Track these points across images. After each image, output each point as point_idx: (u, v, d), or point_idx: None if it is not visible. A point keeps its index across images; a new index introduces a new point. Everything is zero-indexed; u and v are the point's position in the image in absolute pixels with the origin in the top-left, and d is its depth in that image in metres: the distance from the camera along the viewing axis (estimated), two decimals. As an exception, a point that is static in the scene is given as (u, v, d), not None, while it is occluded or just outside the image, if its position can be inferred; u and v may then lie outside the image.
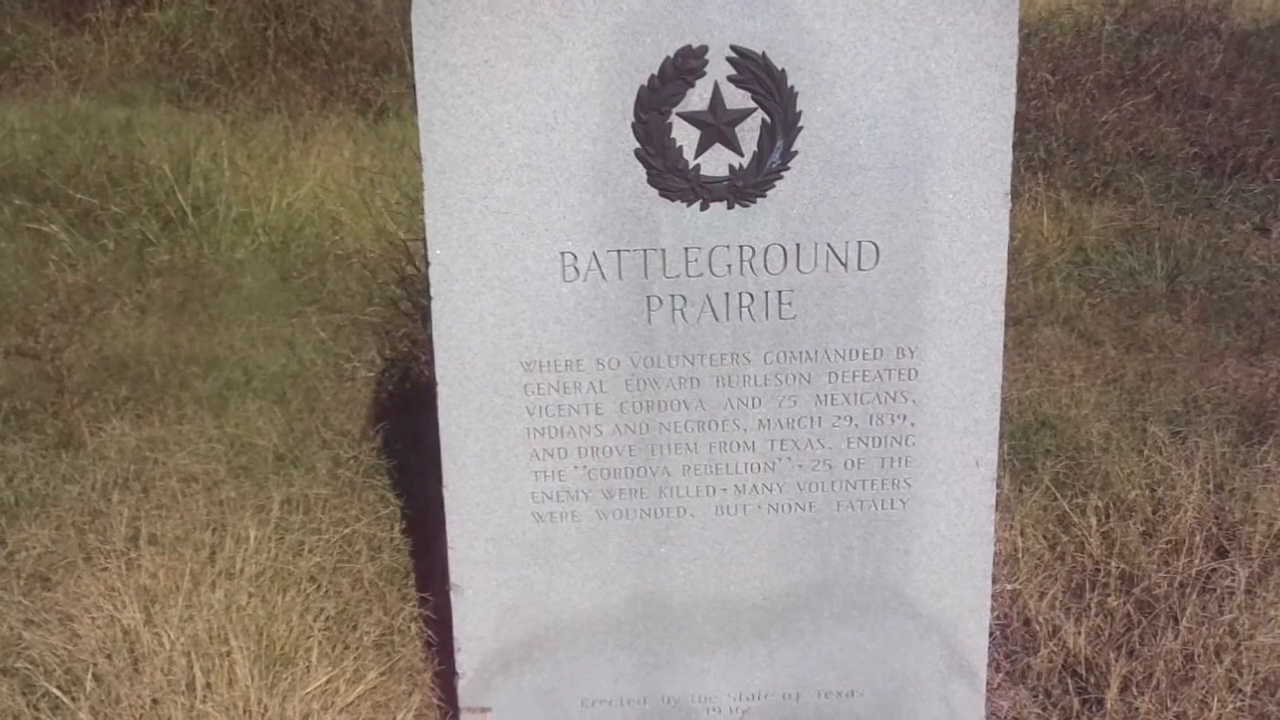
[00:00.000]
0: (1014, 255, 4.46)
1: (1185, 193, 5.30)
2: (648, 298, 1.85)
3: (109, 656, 2.23)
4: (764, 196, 1.80)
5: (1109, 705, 2.15)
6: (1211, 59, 6.48)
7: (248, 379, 3.62)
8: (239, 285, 4.40)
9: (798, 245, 1.82)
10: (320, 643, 2.29)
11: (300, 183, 5.13)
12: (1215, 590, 2.38)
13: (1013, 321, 3.91)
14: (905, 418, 1.92)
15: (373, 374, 3.68)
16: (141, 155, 5.32)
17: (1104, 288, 4.37)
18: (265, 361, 3.75)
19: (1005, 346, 1.93)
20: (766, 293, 1.85)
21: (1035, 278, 4.38)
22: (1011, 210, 1.83)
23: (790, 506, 1.97)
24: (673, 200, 1.80)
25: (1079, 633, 2.35)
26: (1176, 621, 2.29)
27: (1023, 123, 5.81)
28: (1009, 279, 1.88)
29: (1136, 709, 2.12)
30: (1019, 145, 5.61)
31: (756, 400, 1.91)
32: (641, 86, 1.74)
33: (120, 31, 7.43)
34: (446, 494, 1.95)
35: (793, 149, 1.78)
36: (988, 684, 2.18)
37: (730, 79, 1.74)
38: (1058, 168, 5.46)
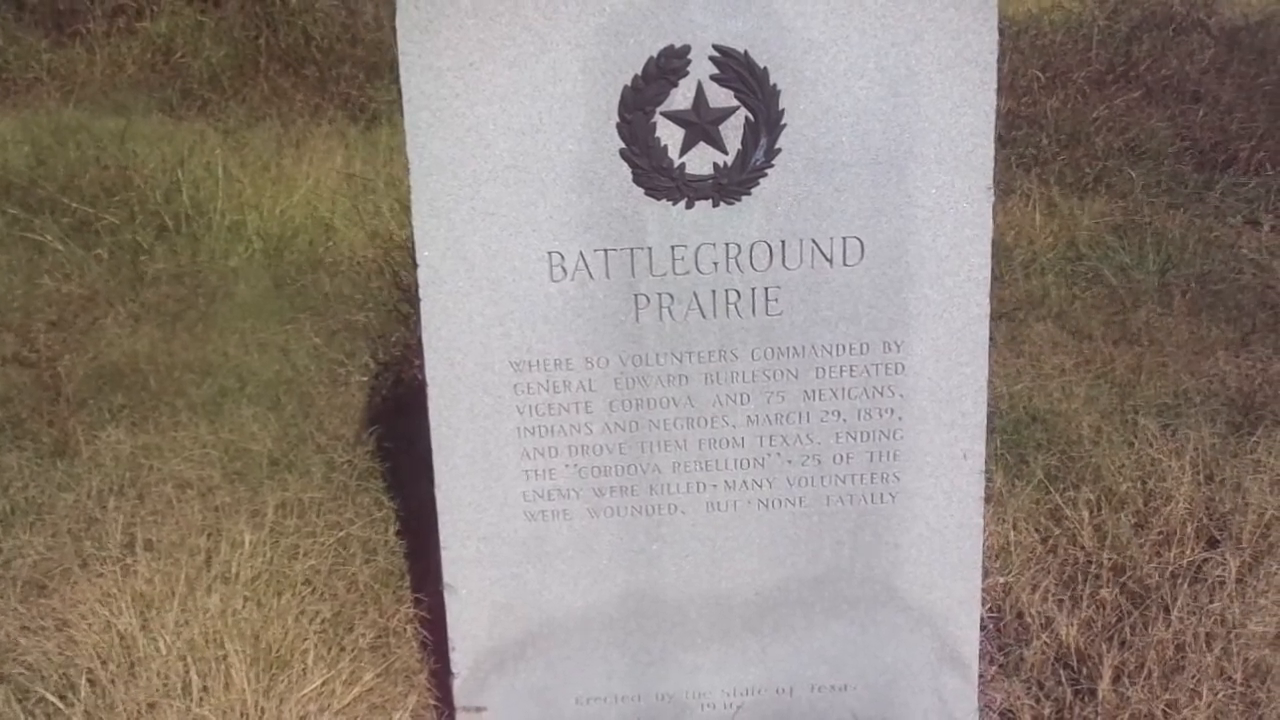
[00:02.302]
0: (1006, 252, 4.47)
1: (1176, 187, 5.32)
2: (635, 296, 1.87)
3: (105, 662, 2.24)
4: (749, 194, 1.82)
5: (1101, 695, 2.16)
6: (1201, 54, 6.50)
7: (242, 385, 3.63)
8: (233, 293, 4.41)
9: (783, 242, 1.84)
10: (316, 645, 2.31)
11: (293, 190, 5.15)
12: (1206, 580, 2.39)
13: (1004, 317, 3.92)
14: (893, 412, 1.93)
15: (366, 378, 3.69)
16: (135, 165, 5.33)
17: (1095, 283, 4.38)
18: (259, 367, 3.76)
19: (996, 342, 1.95)
20: (753, 289, 1.87)
21: (1027, 274, 4.39)
22: (1003, 207, 1.85)
23: (780, 502, 1.98)
24: (658, 199, 1.82)
25: (1071, 624, 2.36)
26: (1168, 611, 2.30)
27: (1014, 120, 5.83)
28: (1000, 275, 1.90)
29: (1128, 699, 2.13)
30: (1010, 142, 5.67)
31: (745, 397, 1.92)
32: (625, 87, 1.76)
33: (112, 42, 7.44)
34: (438, 494, 1.96)
35: (776, 146, 1.79)
36: (980, 676, 2.19)
37: (713, 78, 1.76)
38: (1049, 164, 5.47)
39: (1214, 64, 6.42)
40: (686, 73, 1.76)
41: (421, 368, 1.92)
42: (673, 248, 1.84)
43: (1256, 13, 7.33)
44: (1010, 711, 2.26)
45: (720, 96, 1.77)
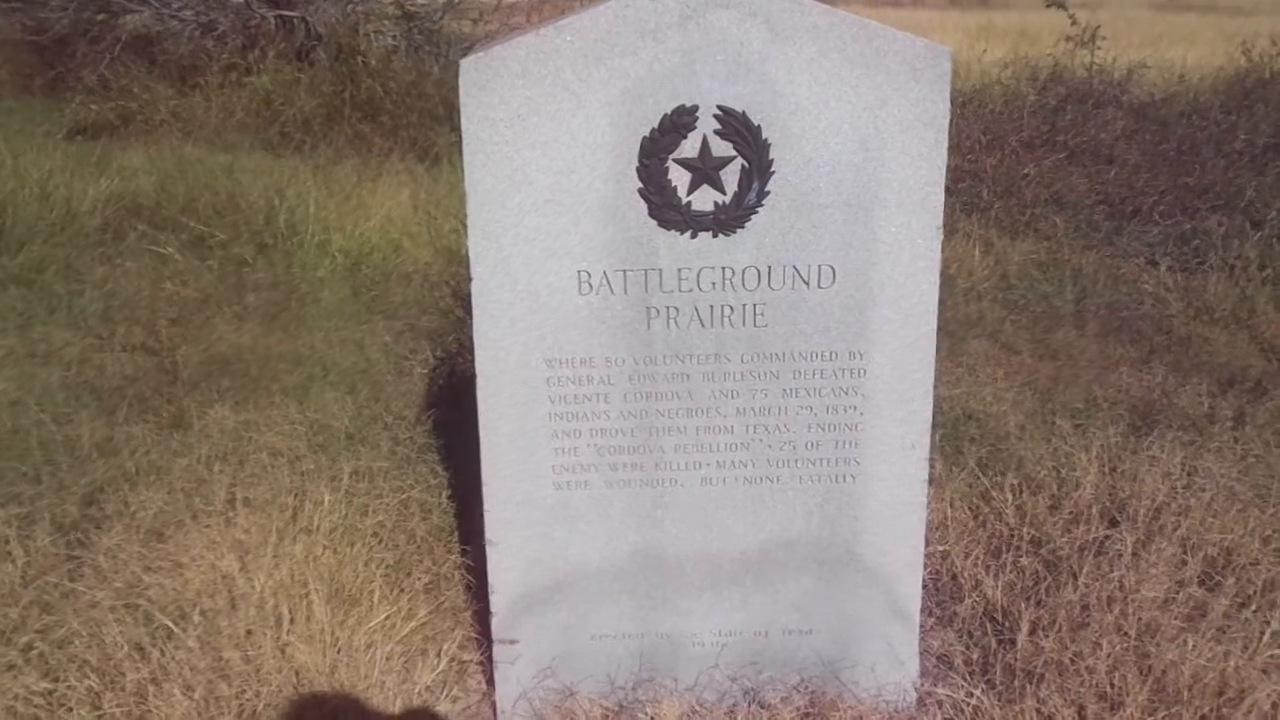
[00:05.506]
0: (949, 282, 4.47)
1: (1091, 232, 5.32)
2: (647, 308, 1.87)
3: (211, 596, 2.25)
4: (742, 228, 1.82)
5: (1020, 645, 2.16)
6: (1114, 124, 6.49)
7: (325, 373, 3.64)
8: (319, 298, 4.43)
9: (769, 267, 1.84)
10: (381, 586, 2.31)
11: (370, 216, 5.16)
12: (1108, 553, 2.39)
13: (947, 334, 3.92)
14: (855, 408, 1.93)
15: (426, 370, 3.70)
16: (241, 193, 5.35)
17: (1023, 308, 4.38)
18: (339, 359, 3.77)
19: (939, 353, 1.94)
20: (744, 305, 1.87)
21: (967, 299, 4.39)
22: (947, 245, 1.85)
23: (761, 479, 1.98)
24: (668, 230, 1.82)
25: (996, 586, 2.36)
26: (1076, 578, 2.30)
27: (960, 174, 5.83)
28: (945, 300, 1.89)
29: (1042, 648, 2.13)
30: (956, 192, 5.65)
31: (735, 393, 1.92)
32: (644, 137, 1.77)
33: (224, 93, 7.47)
34: (483, 466, 1.97)
35: (766, 190, 1.80)
36: (921, 626, 2.19)
37: (716, 132, 1.76)
38: (987, 211, 5.46)
39: (1124, 133, 6.41)
40: (694, 127, 1.76)
41: (472, 363, 1.92)
42: (679, 270, 1.85)
43: (1160, 92, 7.32)
44: (945, 655, 2.26)
45: (722, 147, 1.77)
